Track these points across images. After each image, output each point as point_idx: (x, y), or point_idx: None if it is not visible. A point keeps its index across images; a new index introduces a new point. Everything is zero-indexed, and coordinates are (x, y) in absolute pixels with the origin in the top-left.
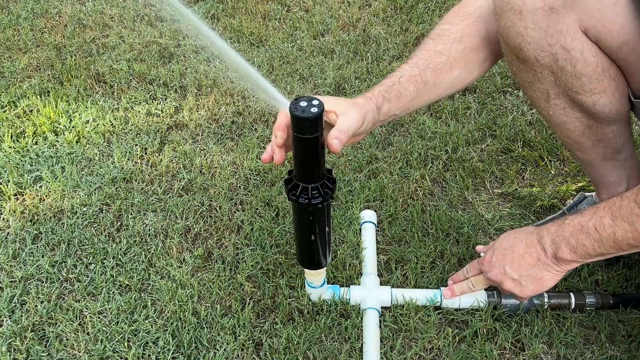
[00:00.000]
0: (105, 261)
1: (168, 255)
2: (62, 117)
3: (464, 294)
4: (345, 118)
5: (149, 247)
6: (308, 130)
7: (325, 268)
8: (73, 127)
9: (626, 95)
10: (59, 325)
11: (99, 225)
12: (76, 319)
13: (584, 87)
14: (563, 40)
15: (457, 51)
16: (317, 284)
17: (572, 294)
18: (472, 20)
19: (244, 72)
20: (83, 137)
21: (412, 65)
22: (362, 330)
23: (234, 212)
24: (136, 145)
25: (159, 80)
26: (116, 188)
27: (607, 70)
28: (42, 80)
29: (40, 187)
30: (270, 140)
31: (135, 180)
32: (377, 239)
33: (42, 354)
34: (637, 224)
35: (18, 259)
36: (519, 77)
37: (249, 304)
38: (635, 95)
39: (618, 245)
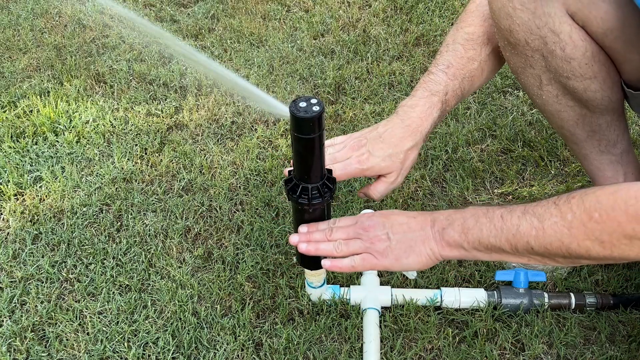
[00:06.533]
0: (105, 261)
1: (168, 255)
2: (62, 117)
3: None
4: (386, 186)
5: (149, 248)
6: (309, 131)
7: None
8: (73, 127)
9: (618, 83)
10: (59, 326)
11: (99, 225)
12: (76, 319)
13: (574, 71)
14: (551, 23)
15: (486, 55)
16: (317, 284)
17: (572, 294)
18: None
19: (239, 88)
20: (83, 137)
21: (452, 78)
22: (362, 330)
23: (234, 212)
24: (136, 145)
25: (159, 80)
26: (116, 188)
27: (596, 56)
28: (42, 81)
29: (40, 187)
30: (270, 141)
31: (135, 181)
32: None
33: (42, 354)
34: (547, 222)
35: (18, 259)
36: (512, 62)
37: (249, 304)
38: (628, 85)
39: (515, 241)
